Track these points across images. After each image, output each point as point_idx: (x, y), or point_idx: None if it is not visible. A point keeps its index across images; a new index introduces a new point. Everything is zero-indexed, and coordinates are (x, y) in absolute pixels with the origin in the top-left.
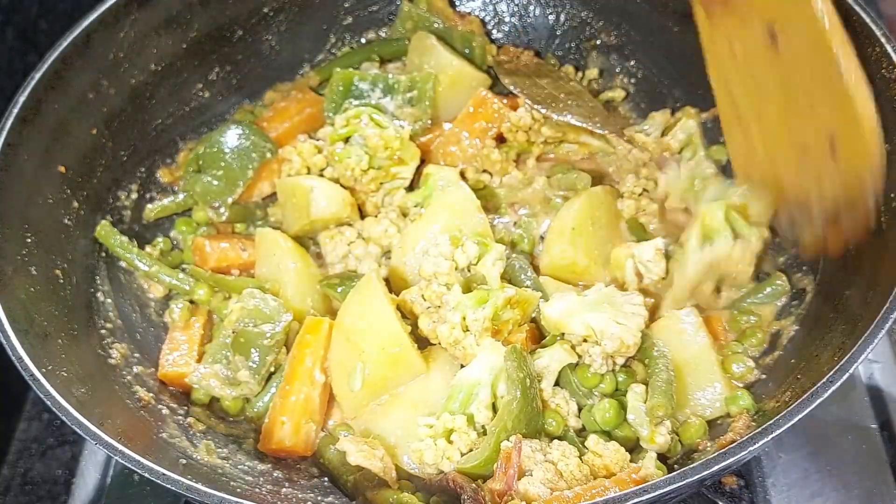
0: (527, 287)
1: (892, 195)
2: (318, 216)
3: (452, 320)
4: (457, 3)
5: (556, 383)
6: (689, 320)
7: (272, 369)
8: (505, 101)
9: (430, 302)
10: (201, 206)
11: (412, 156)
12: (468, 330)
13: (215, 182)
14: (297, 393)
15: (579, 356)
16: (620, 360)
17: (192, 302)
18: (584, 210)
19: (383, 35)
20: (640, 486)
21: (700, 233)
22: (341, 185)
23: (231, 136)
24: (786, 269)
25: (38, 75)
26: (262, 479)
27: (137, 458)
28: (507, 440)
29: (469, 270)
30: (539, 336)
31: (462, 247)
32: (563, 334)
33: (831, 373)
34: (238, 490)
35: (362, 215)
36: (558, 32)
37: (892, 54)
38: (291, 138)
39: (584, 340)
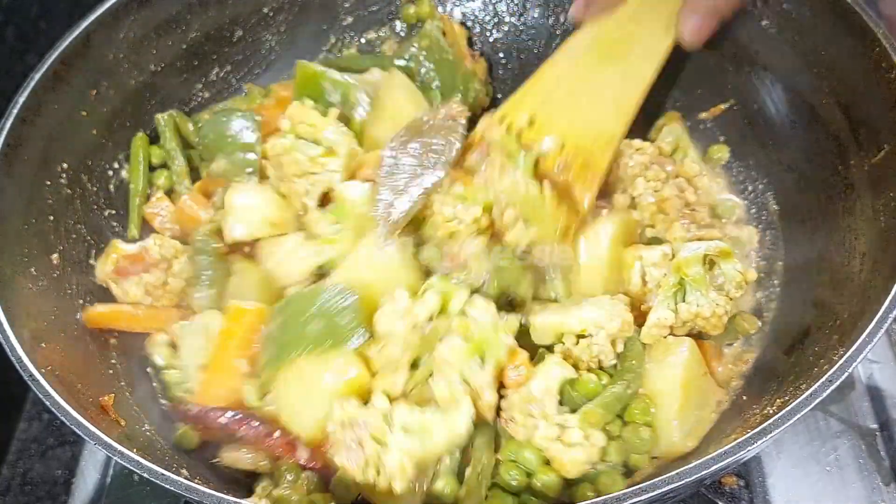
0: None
1: (892, 194)
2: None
3: (454, 383)
4: (455, 3)
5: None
6: (680, 353)
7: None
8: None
9: (385, 361)
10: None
11: (344, 146)
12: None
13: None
14: (218, 385)
15: (576, 368)
16: (621, 346)
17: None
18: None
19: (383, 35)
20: (639, 486)
21: (673, 289)
22: (279, 194)
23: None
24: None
25: (38, 75)
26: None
27: (137, 458)
28: None
29: (430, 321)
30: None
31: (422, 298)
32: (552, 346)
33: (830, 372)
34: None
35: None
36: (558, 33)
37: (892, 54)
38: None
39: (579, 340)
